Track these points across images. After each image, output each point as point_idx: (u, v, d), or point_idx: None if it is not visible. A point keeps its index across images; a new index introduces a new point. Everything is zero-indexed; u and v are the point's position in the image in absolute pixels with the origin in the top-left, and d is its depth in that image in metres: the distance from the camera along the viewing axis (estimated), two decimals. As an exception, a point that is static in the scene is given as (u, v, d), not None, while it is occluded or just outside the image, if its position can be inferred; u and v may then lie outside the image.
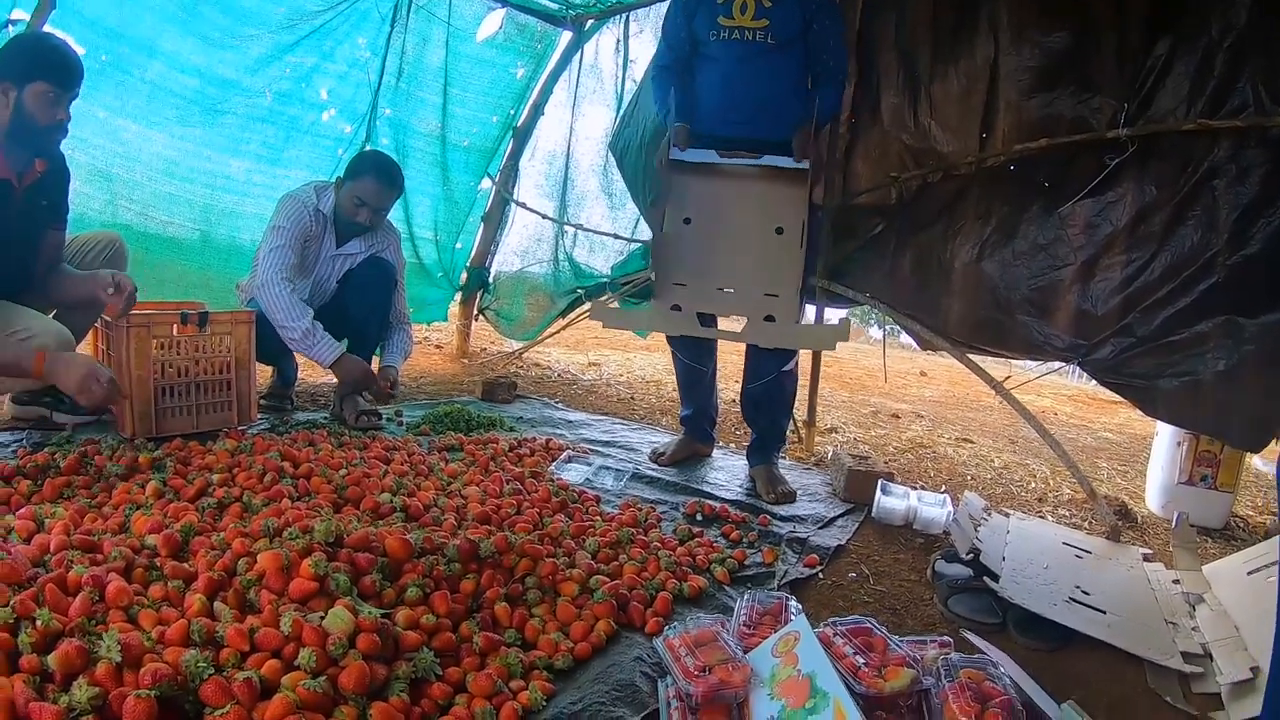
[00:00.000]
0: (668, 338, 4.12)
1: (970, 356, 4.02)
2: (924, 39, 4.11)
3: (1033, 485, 4.57)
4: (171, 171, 4.67)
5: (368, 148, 5.38)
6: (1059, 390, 8.38)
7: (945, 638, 2.05)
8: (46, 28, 3.78)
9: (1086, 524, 3.89)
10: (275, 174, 5.12)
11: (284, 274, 3.81)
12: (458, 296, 6.59)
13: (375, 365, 4.21)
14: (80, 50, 3.75)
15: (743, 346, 3.91)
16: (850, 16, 4.23)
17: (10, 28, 3.75)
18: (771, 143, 3.66)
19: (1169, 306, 3.40)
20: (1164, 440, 4.20)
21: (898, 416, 6.33)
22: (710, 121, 3.74)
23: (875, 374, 8.11)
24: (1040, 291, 3.73)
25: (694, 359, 4.09)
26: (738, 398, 4.07)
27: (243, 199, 5.04)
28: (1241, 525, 4.15)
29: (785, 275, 3.53)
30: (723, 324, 3.81)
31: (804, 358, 4.21)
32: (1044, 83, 3.76)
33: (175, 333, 3.48)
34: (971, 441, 5.63)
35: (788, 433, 4.18)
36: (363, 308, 4.13)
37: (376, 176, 3.99)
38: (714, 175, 3.69)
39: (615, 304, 5.11)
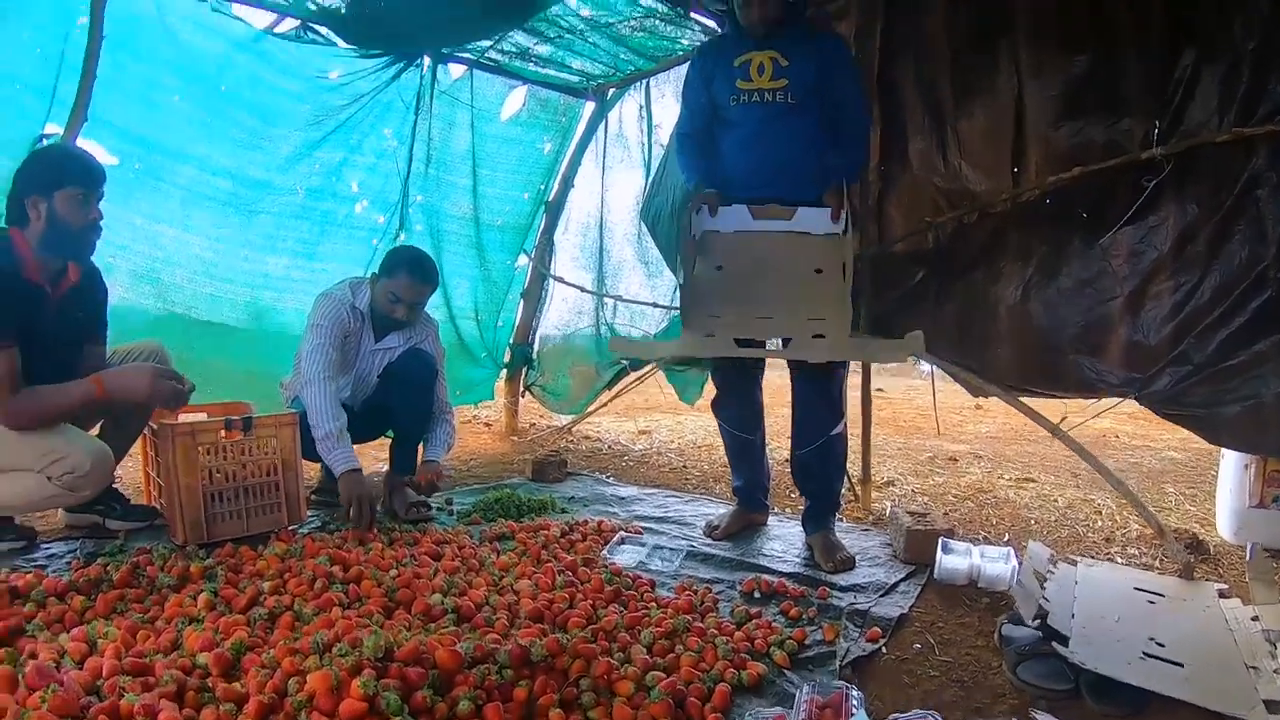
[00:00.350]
0: (713, 409, 4.05)
1: (1023, 400, 3.91)
2: (945, 78, 4.06)
3: (1099, 523, 4.42)
4: (211, 272, 4.75)
5: (401, 239, 5.44)
6: (1118, 409, 8.21)
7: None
8: (80, 140, 3.87)
9: (1158, 562, 3.76)
10: (313, 269, 5.18)
11: (327, 372, 3.83)
12: (503, 374, 6.59)
13: (419, 457, 4.21)
14: (114, 160, 3.98)
15: (788, 407, 3.83)
16: (869, 61, 4.21)
17: (44, 141, 3.83)
18: (802, 201, 3.61)
19: (1223, 329, 3.28)
20: (1230, 463, 4.00)
21: (955, 460, 6.19)
22: (736, 187, 3.69)
23: (928, 413, 7.94)
24: (1090, 328, 3.64)
25: (741, 428, 4.00)
26: (788, 456, 3.98)
27: (282, 295, 5.10)
28: None
29: (831, 303, 3.41)
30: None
31: (853, 406, 4.10)
32: (1071, 110, 3.68)
33: (221, 438, 3.51)
34: (1033, 480, 5.49)
35: (842, 494, 4.07)
36: (405, 401, 4.14)
37: (410, 272, 4.01)
38: (745, 231, 3.64)
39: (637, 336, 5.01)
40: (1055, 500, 4.95)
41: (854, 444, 4.33)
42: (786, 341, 3.43)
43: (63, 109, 3.84)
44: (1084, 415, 4.04)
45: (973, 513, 4.62)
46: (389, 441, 4.33)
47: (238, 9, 4.36)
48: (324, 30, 4.55)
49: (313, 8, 4.34)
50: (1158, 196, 3.44)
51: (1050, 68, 3.72)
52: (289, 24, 4.53)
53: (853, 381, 4.12)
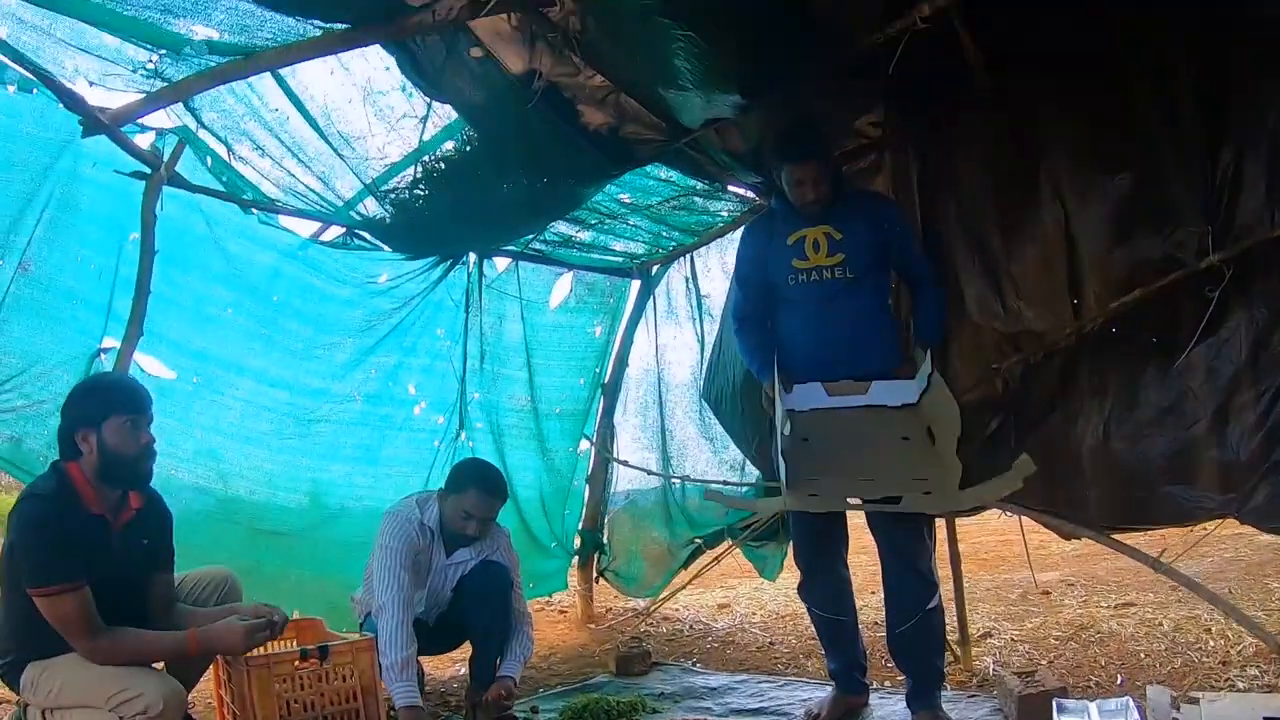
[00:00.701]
0: (800, 593, 3.91)
1: (1116, 538, 3.76)
2: (989, 216, 4.05)
3: (1211, 644, 4.20)
4: (273, 483, 4.74)
5: (462, 438, 5.46)
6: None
7: None
8: (136, 354, 3.93)
9: (1281, 679, 3.52)
10: (375, 474, 5.17)
11: (404, 595, 3.78)
12: (574, 562, 6.45)
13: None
14: (171, 374, 4.09)
15: (879, 586, 3.70)
16: (910, 212, 4.20)
17: (103, 355, 3.90)
18: (876, 374, 3.58)
19: (1314, 429, 3.12)
20: None
21: (1048, 593, 5.94)
22: (803, 367, 3.65)
23: (1008, 538, 7.71)
24: (1178, 456, 3.51)
25: (831, 610, 3.81)
26: (882, 622, 3.80)
27: (346, 502, 5.06)
28: None
29: (928, 464, 3.33)
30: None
31: (943, 564, 3.94)
32: (1121, 231, 3.64)
33: (297, 668, 3.43)
34: (1133, 604, 5.27)
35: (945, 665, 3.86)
36: (481, 616, 4.05)
37: (481, 488, 3.99)
38: (822, 408, 3.58)
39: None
40: (1160, 625, 4.72)
41: (947, 602, 4.15)
42: (895, 500, 3.31)
43: (118, 324, 3.90)
44: (1183, 542, 3.87)
45: (1078, 655, 4.40)
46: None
47: (285, 220, 4.48)
48: (368, 237, 4.63)
49: (357, 217, 4.45)
50: (1224, 306, 3.35)
51: (1093, 191, 3.71)
52: (334, 231, 4.64)
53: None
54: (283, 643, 3.73)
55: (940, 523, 4.15)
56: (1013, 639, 4.88)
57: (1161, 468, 3.54)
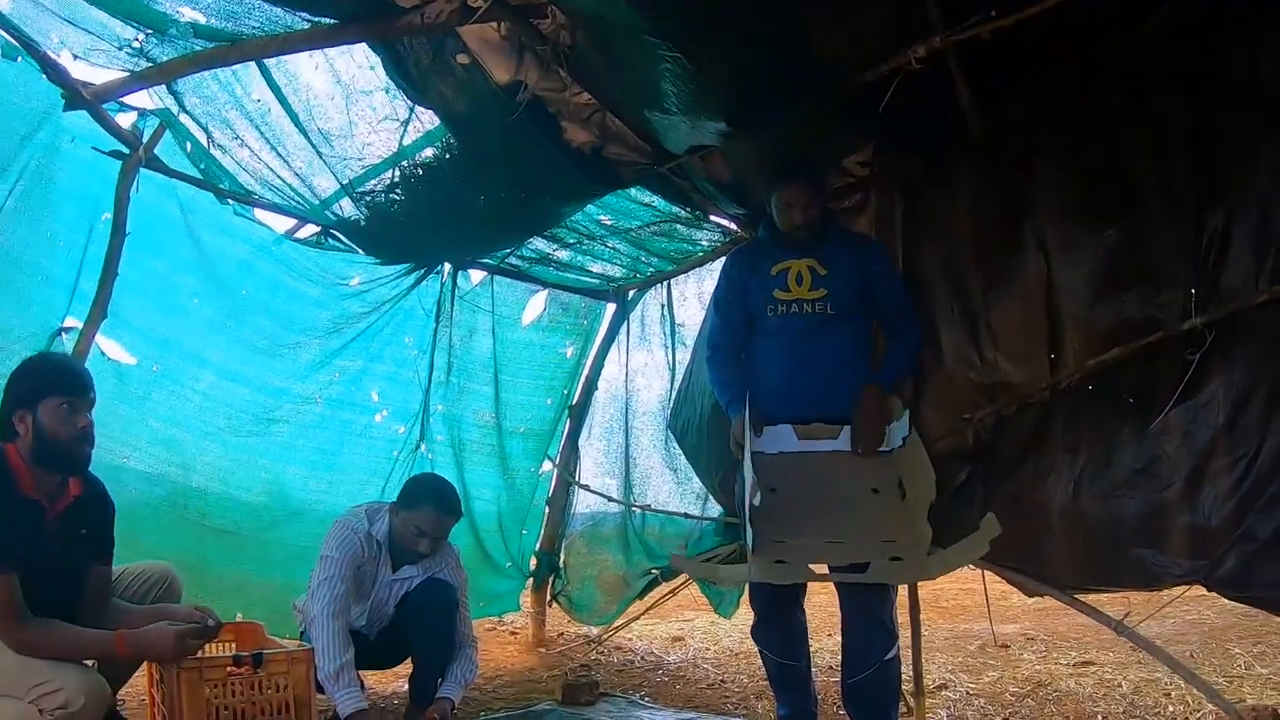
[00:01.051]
0: (753, 635, 3.80)
1: (1079, 598, 3.70)
2: (971, 264, 3.98)
3: (1170, 710, 4.15)
4: (227, 480, 4.66)
5: (422, 449, 5.40)
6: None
7: None
8: (99, 337, 3.86)
9: (1243, 744, 3.46)
10: (331, 480, 5.09)
11: (334, 606, 3.67)
12: (529, 584, 6.37)
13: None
14: (132, 360, 4.03)
15: (838, 630, 3.63)
16: (893, 252, 4.14)
17: (64, 335, 3.82)
18: (848, 418, 3.54)
19: (1287, 497, 3.08)
20: None
21: (1006, 646, 5.87)
22: (776, 402, 3.60)
23: (969, 586, 7.62)
24: (1148, 519, 3.42)
25: (784, 654, 3.70)
26: (837, 666, 3.73)
27: (299, 506, 4.98)
28: None
29: (897, 522, 3.31)
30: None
31: (901, 610, 3.88)
32: (1104, 288, 3.56)
33: (230, 674, 3.30)
34: (1092, 663, 5.20)
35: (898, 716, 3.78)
36: (424, 634, 3.95)
37: (436, 506, 3.89)
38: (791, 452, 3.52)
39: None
40: (1119, 686, 4.65)
41: (904, 651, 4.08)
42: (864, 566, 3.26)
43: (83, 304, 3.83)
44: (1147, 603, 3.86)
45: (1034, 712, 4.34)
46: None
47: (259, 214, 4.41)
48: (342, 238, 4.57)
49: (332, 217, 4.38)
50: (1204, 369, 3.27)
51: (1078, 246, 3.64)
52: (309, 229, 4.58)
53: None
54: (219, 647, 3.63)
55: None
56: (969, 692, 4.80)
57: (1132, 529, 3.46)
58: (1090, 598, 3.70)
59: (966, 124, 3.86)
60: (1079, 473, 3.62)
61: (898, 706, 3.71)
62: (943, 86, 3.62)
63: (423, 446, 5.40)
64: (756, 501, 3.34)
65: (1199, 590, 3.51)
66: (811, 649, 3.84)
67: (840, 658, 3.66)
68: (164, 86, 3.62)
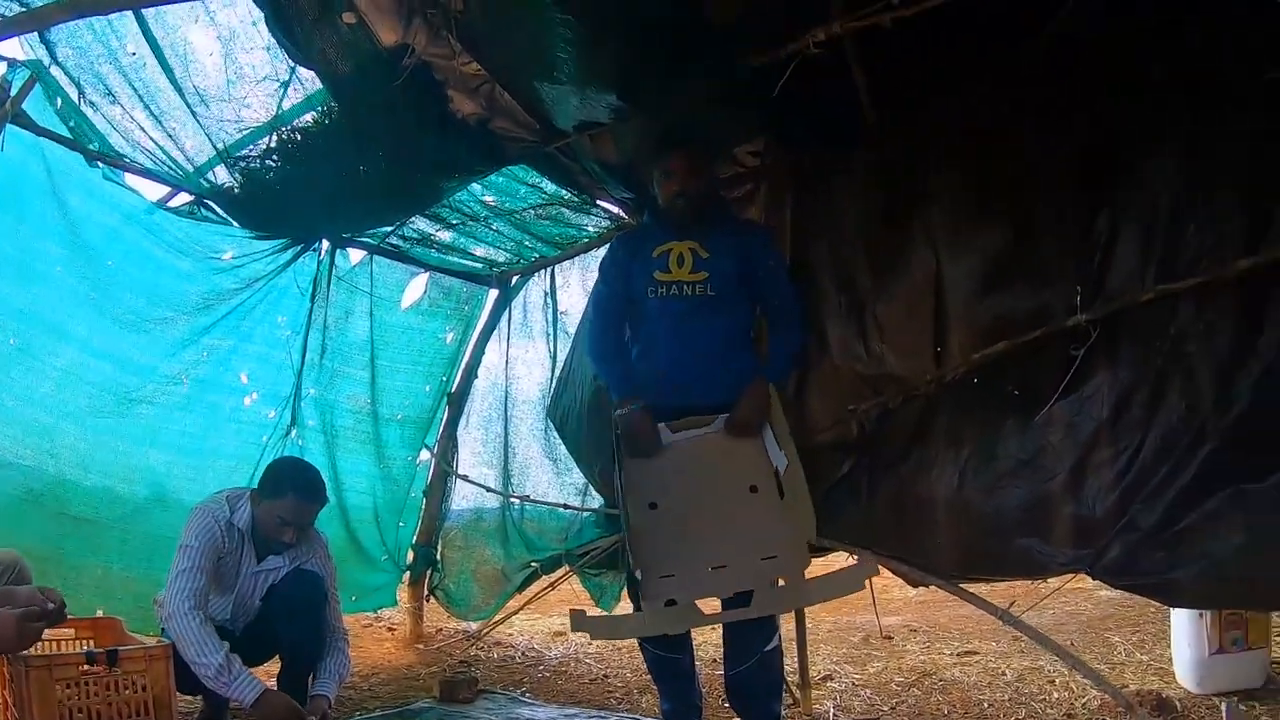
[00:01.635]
0: None
1: (964, 587, 3.71)
2: (859, 257, 4.01)
3: (1055, 696, 4.20)
4: (86, 464, 4.38)
5: (293, 435, 5.18)
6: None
7: None
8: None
9: (1128, 728, 3.52)
10: (198, 465, 4.84)
11: (193, 601, 3.43)
12: (406, 577, 6.18)
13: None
14: None
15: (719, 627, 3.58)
16: (781, 243, 4.13)
17: None
18: (726, 405, 3.50)
19: (1169, 490, 3.12)
20: (1183, 613, 3.96)
21: (890, 637, 5.92)
22: (655, 390, 3.55)
23: None
24: (1033, 509, 3.45)
25: (665, 647, 3.58)
26: (720, 660, 3.68)
27: (163, 493, 4.71)
28: None
29: (778, 531, 3.26)
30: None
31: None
32: (991, 284, 3.62)
33: (83, 672, 3.09)
34: (975, 653, 5.28)
35: (783, 711, 3.75)
36: (291, 628, 3.75)
37: (298, 493, 3.70)
38: (669, 449, 3.47)
39: (598, 612, 4.75)
40: (1004, 674, 4.72)
41: (788, 643, 4.09)
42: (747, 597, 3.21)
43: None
44: (1029, 593, 3.97)
45: (920, 701, 4.37)
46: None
47: (131, 179, 4.15)
48: (216, 208, 4.33)
49: (206, 185, 4.16)
50: (1088, 364, 3.32)
51: (967, 241, 3.69)
52: (182, 198, 4.33)
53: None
54: (73, 644, 3.45)
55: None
56: (854, 683, 4.82)
57: (1016, 520, 3.49)
58: (975, 588, 3.71)
59: (862, 115, 3.87)
60: (963, 464, 3.64)
61: (781, 698, 3.68)
62: (839, 76, 3.61)
63: (293, 432, 5.18)
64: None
65: (1078, 582, 3.56)
66: (694, 641, 3.77)
67: (723, 650, 3.61)
68: (36, 35, 3.39)
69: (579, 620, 3.32)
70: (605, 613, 5.44)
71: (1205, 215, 3.12)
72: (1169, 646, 4.19)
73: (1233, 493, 2.99)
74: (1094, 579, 3.40)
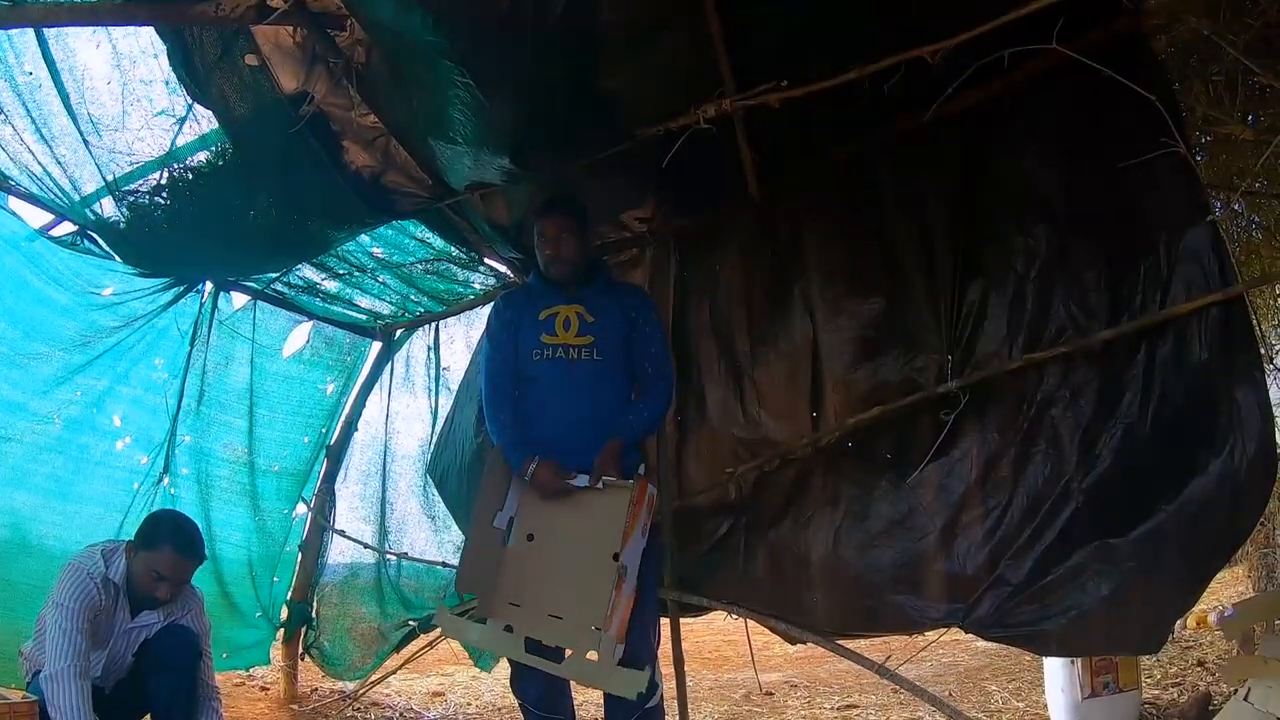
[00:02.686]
0: (512, 686, 3.64)
1: (841, 643, 3.80)
2: (740, 323, 4.16)
3: (938, 749, 4.30)
4: (-55, 503, 4.18)
5: (165, 483, 5.00)
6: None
7: None
8: None
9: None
10: (66, 510, 4.63)
11: (77, 665, 3.28)
12: (279, 635, 5.99)
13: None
14: None
15: None
16: (664, 310, 4.22)
17: None
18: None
19: (1037, 545, 3.32)
20: (1056, 660, 4.08)
21: (771, 694, 5.98)
22: (541, 453, 3.52)
23: (731, 637, 7.77)
24: (906, 566, 3.60)
25: (547, 708, 3.55)
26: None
27: (28, 538, 4.50)
28: (1154, 713, 4.19)
29: (612, 611, 3.26)
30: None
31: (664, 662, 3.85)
32: (866, 351, 3.81)
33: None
34: (856, 706, 5.36)
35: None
36: (164, 685, 3.58)
37: (175, 548, 3.55)
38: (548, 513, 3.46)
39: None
40: (884, 730, 4.76)
41: (669, 700, 4.05)
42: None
43: None
44: (906, 647, 3.97)
45: (803, 757, 4.38)
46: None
47: (14, 202, 4.03)
48: (100, 241, 4.20)
49: (92, 216, 4.04)
50: (959, 428, 3.53)
51: (843, 311, 3.88)
52: (66, 227, 4.20)
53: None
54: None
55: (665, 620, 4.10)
56: (737, 742, 4.82)
57: (890, 577, 3.62)
58: (852, 643, 3.81)
59: (746, 186, 4.00)
60: (839, 525, 3.78)
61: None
62: (726, 147, 3.72)
63: (165, 480, 5.01)
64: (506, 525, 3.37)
65: (954, 634, 3.66)
66: (575, 700, 3.74)
67: (604, 707, 3.58)
68: (-71, 46, 3.31)
69: (441, 615, 3.36)
70: (476, 657, 5.43)
71: (1070, 287, 3.35)
72: (1044, 694, 4.32)
73: (1097, 546, 3.19)
74: (966, 632, 3.54)
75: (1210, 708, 4.09)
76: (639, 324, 3.61)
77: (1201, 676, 4.85)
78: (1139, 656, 4.17)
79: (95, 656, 3.54)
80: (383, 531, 5.89)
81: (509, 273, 5.04)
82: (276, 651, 6.05)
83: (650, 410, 3.63)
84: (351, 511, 6.06)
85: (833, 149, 3.93)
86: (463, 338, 5.68)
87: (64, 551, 3.94)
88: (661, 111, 3.48)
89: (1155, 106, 2.96)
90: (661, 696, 3.53)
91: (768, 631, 4.01)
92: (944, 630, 3.68)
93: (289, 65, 3.43)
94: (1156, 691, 4.47)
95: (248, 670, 6.18)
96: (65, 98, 3.55)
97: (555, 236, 3.56)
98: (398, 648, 5.67)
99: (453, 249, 4.85)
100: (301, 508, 5.92)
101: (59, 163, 3.79)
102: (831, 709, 5.40)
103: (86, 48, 3.50)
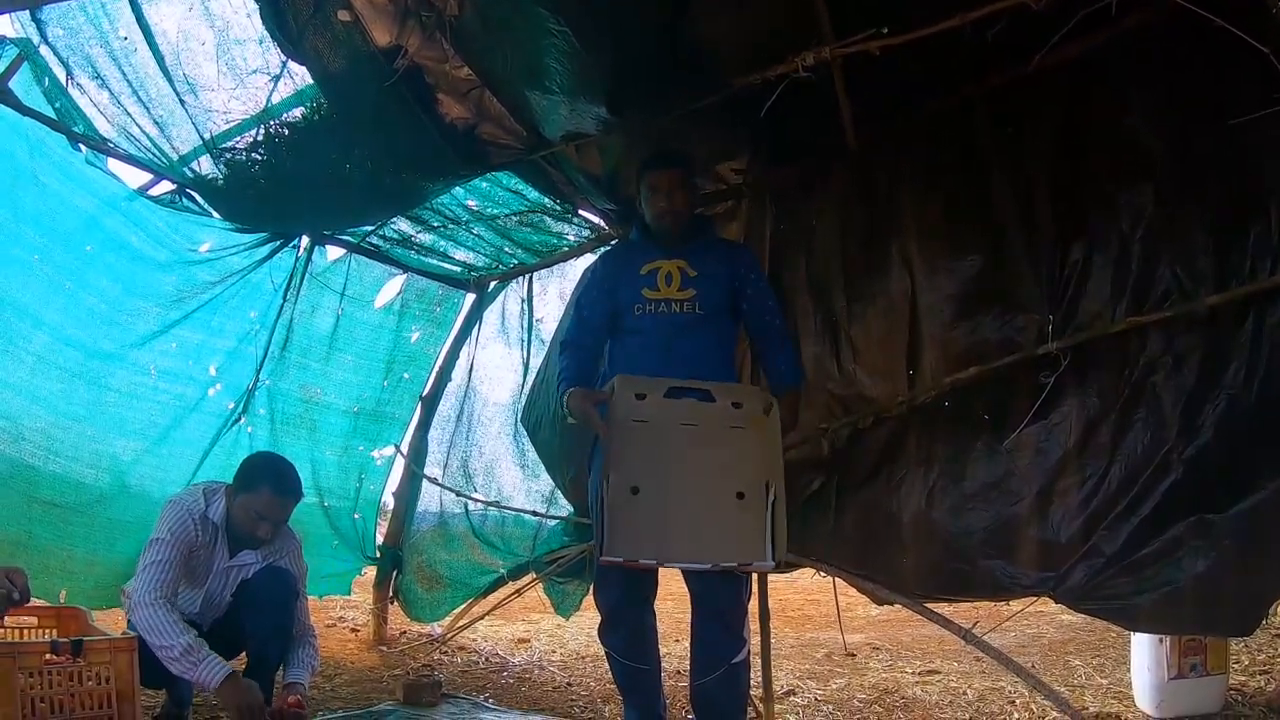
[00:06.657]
0: (600, 636, 3.64)
1: (931, 606, 3.72)
2: (836, 277, 4.05)
3: (1016, 716, 4.23)
4: (56, 449, 4.34)
5: (242, 423, 5.17)
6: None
7: None
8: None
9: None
10: (163, 454, 4.81)
11: (160, 592, 3.36)
12: (367, 572, 6.14)
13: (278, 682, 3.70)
14: None
15: (686, 637, 3.56)
16: (760, 261, 4.13)
17: None
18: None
19: (1133, 517, 3.19)
20: (1143, 638, 3.97)
21: (853, 655, 5.93)
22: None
23: (815, 597, 7.78)
24: (999, 531, 3.50)
25: (633, 657, 3.56)
26: (685, 671, 3.67)
27: (129, 480, 4.67)
28: (1239, 699, 4.04)
29: (750, 549, 3.20)
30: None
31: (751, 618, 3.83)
32: (965, 310, 3.68)
33: (46, 663, 3.00)
34: (937, 672, 5.30)
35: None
36: (262, 624, 3.65)
37: (274, 488, 3.62)
38: (666, 431, 3.31)
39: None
40: (965, 694, 4.72)
41: (753, 654, 4.05)
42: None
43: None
44: (991, 614, 3.97)
45: (881, 718, 4.39)
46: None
47: (113, 164, 4.12)
48: (198, 198, 4.31)
49: (190, 174, 4.13)
50: (1058, 391, 3.40)
51: (942, 267, 3.74)
52: (164, 186, 4.30)
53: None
54: (37, 632, 3.39)
55: (753, 577, 4.07)
56: (817, 699, 4.82)
57: (982, 541, 3.54)
58: (938, 608, 3.74)
59: (844, 138, 3.89)
60: (931, 485, 3.69)
61: (745, 711, 3.66)
62: (825, 97, 3.62)
63: (243, 419, 5.16)
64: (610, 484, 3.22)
65: (1040, 605, 3.60)
66: (660, 653, 3.74)
67: (689, 661, 3.59)
68: (28, 13, 3.37)
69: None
70: (557, 603, 5.51)
71: (1178, 251, 3.20)
72: (1128, 671, 4.22)
73: (1195, 521, 3.06)
74: (1057, 602, 3.45)
75: (1299, 697, 4.01)
76: (752, 281, 3.61)
77: (1291, 665, 4.71)
78: (1229, 640, 4.04)
79: (193, 594, 3.66)
80: (473, 480, 5.95)
81: (603, 224, 5.01)
82: (366, 593, 6.24)
83: (791, 355, 3.69)
84: (444, 460, 6.11)
85: (931, 101, 3.80)
86: (556, 289, 5.68)
87: (161, 495, 4.04)
88: (758, 60, 3.40)
89: (1270, 61, 2.80)
90: (749, 652, 3.54)
91: (850, 592, 3.97)
92: (1031, 600, 3.64)
93: (382, 19, 3.42)
94: (1243, 678, 4.34)
95: (321, 598, 6.16)
96: (160, 60, 3.61)
97: (668, 190, 3.53)
98: (485, 594, 5.77)
99: (546, 200, 4.83)
100: (390, 451, 6.04)
101: (157, 123, 3.86)
102: (913, 673, 5.35)
103: (179, 10, 3.55)
